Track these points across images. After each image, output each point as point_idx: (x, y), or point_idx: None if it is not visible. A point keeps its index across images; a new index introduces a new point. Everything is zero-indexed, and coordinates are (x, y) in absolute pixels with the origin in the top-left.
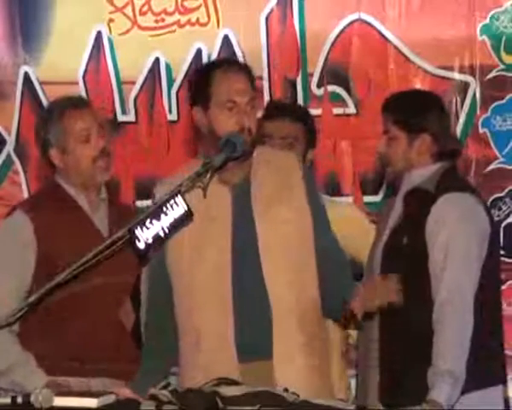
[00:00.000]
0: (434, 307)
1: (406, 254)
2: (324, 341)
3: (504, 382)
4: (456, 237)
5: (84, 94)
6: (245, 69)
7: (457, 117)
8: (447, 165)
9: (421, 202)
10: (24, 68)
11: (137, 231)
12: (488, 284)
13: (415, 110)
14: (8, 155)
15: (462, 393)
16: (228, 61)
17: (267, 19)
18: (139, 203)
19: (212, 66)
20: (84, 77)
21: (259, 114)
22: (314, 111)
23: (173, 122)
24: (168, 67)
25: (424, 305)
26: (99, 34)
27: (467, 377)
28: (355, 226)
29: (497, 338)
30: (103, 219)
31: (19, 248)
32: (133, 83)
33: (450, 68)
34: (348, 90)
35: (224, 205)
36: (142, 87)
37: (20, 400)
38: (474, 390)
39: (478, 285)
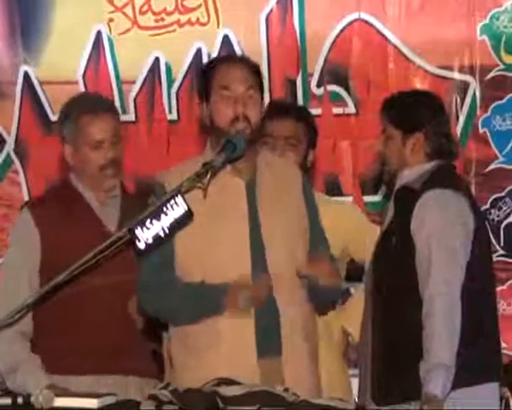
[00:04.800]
0: (423, 303)
1: (395, 253)
2: (317, 342)
3: (500, 380)
4: (437, 233)
5: None
6: (247, 62)
7: (457, 117)
8: (441, 163)
9: (407, 200)
10: (24, 68)
11: (137, 231)
12: (477, 279)
13: (409, 109)
14: (8, 155)
15: (454, 388)
16: (229, 56)
17: (267, 19)
18: None
19: (216, 61)
20: (83, 77)
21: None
22: (314, 111)
23: (173, 122)
24: (168, 66)
25: (414, 302)
26: (99, 34)
27: (459, 373)
28: (354, 226)
29: (492, 335)
30: (113, 216)
31: (25, 248)
32: (133, 82)
33: (450, 68)
34: (348, 90)
35: (241, 196)
36: (141, 87)
37: (20, 400)
38: (466, 386)
39: (465, 279)
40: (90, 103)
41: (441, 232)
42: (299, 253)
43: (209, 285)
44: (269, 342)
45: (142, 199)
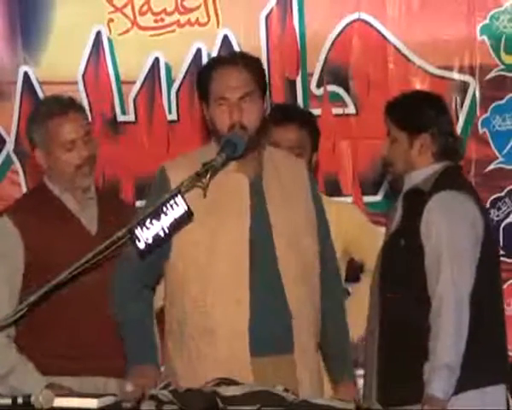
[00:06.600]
0: (432, 304)
1: (404, 255)
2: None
3: (507, 382)
4: (447, 235)
5: (83, 94)
6: (245, 64)
7: (457, 117)
8: (448, 164)
9: (416, 202)
10: (23, 68)
11: (137, 231)
12: (485, 282)
13: (413, 110)
14: (8, 155)
15: (461, 391)
16: (228, 57)
17: (267, 19)
18: (139, 203)
19: (214, 62)
20: (83, 77)
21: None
22: (314, 111)
23: (173, 122)
24: (168, 66)
25: (422, 304)
26: (99, 34)
27: (465, 375)
28: (354, 226)
29: (499, 337)
30: (92, 217)
31: (7, 254)
32: (133, 83)
33: (450, 68)
34: (348, 91)
35: (244, 194)
36: (141, 87)
37: (20, 400)
38: (472, 389)
39: (474, 282)
40: (58, 105)
41: (451, 234)
42: (308, 250)
43: (134, 348)
44: (280, 339)
45: (117, 198)
